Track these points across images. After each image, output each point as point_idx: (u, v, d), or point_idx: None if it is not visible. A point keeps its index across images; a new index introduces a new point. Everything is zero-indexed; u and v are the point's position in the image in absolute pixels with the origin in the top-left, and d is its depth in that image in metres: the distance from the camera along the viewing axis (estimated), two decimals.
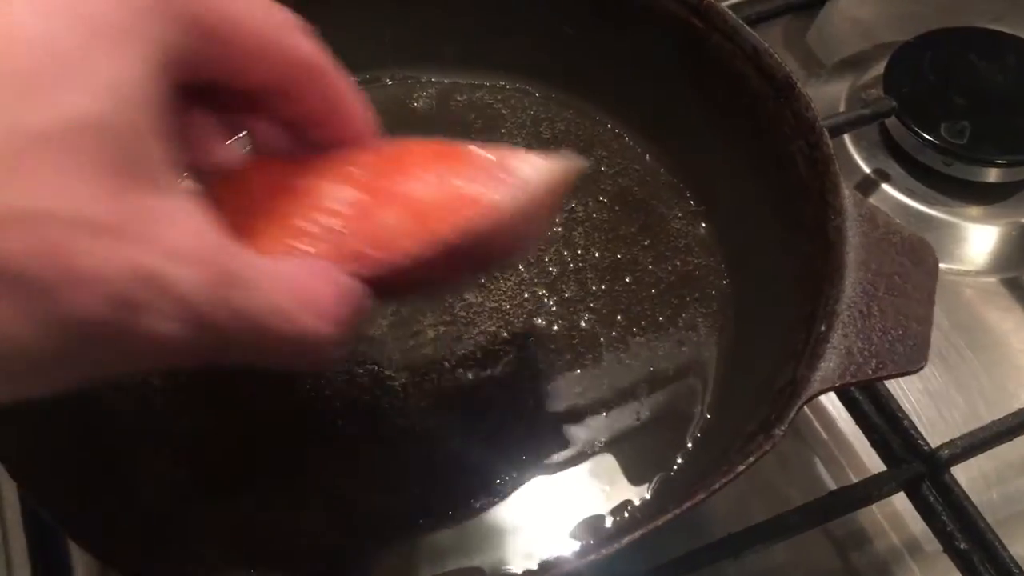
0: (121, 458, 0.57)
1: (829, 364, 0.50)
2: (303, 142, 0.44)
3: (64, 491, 0.48)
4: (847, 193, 0.55)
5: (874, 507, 0.63)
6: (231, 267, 0.33)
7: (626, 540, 0.45)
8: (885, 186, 0.80)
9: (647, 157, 0.72)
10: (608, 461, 0.58)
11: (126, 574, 0.48)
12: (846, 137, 0.82)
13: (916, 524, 0.63)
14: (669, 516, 0.46)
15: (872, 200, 0.79)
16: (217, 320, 0.32)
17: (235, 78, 0.39)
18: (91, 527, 0.47)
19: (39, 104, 0.29)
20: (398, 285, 0.46)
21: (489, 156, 0.46)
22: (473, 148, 0.47)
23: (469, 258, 0.47)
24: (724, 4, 0.88)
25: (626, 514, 0.56)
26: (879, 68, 0.85)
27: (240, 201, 0.44)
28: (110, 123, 0.30)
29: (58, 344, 0.30)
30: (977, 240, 0.78)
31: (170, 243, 0.31)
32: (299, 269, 0.37)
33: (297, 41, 0.40)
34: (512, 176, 0.45)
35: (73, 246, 0.29)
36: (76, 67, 0.30)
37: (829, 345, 0.50)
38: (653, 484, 0.58)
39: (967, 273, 0.76)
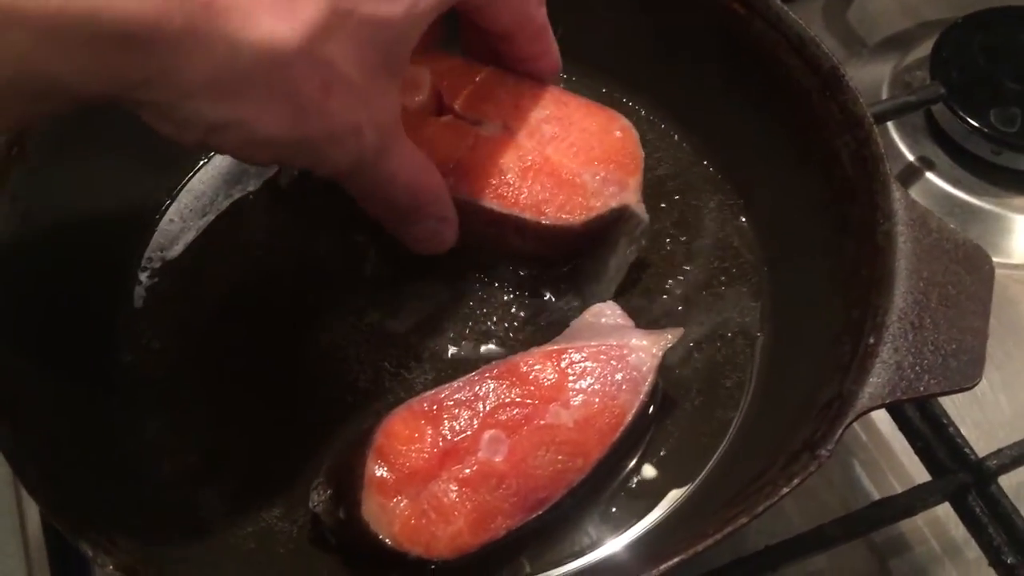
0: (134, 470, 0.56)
1: (879, 379, 0.48)
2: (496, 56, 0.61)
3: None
4: (898, 195, 0.53)
5: None
6: (390, 141, 0.51)
7: (664, 566, 0.44)
8: (930, 175, 0.77)
9: (684, 146, 0.69)
10: (640, 468, 0.57)
11: None
12: (889, 123, 0.78)
13: (957, 530, 0.62)
14: (709, 541, 0.44)
15: (916, 190, 0.77)
16: (367, 170, 0.51)
17: (482, 20, 0.56)
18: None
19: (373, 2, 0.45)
20: None
21: (607, 355, 0.54)
22: (587, 348, 0.54)
23: None
24: None
25: (661, 524, 0.55)
26: (924, 48, 0.82)
27: None
28: (397, 32, 0.47)
29: (286, 141, 0.46)
30: None
31: (376, 114, 0.49)
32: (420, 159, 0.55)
33: (537, 12, 0.57)
34: (631, 370, 0.54)
35: (332, 94, 0.45)
36: None
37: (878, 359, 0.48)
38: (687, 493, 0.56)
39: (1015, 267, 0.74)
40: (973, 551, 0.60)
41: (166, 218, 0.66)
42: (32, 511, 0.61)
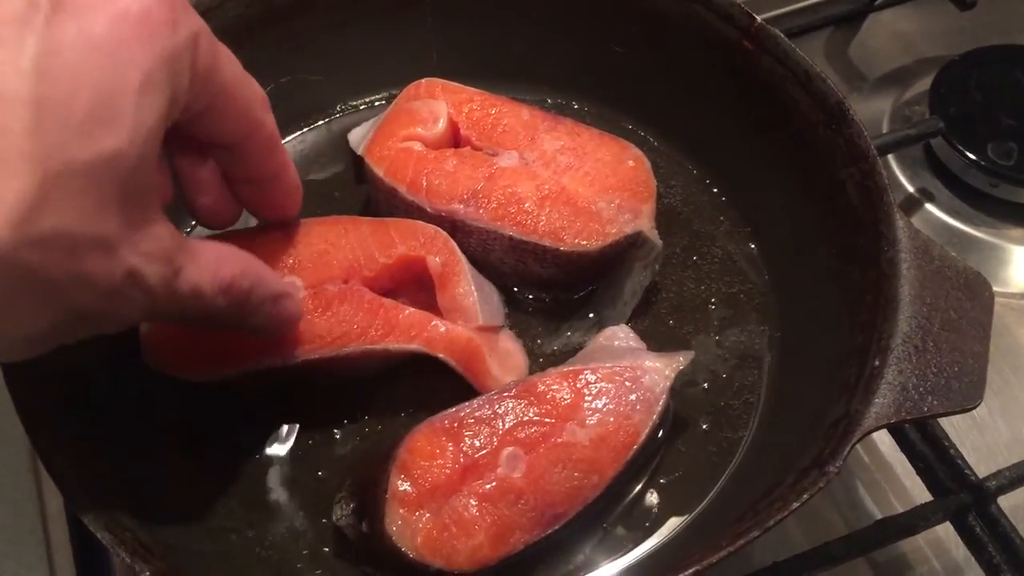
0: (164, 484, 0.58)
1: (884, 400, 0.50)
2: (232, 196, 0.54)
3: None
4: (901, 224, 0.55)
5: None
6: (180, 260, 0.44)
7: None
8: (929, 206, 0.80)
9: (695, 174, 0.72)
10: (653, 487, 0.59)
11: None
12: (889, 156, 0.81)
13: (958, 550, 0.63)
14: (723, 552, 0.46)
15: (915, 220, 0.78)
16: (167, 301, 0.44)
17: (208, 132, 0.48)
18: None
19: (89, 141, 0.37)
20: None
21: (621, 376, 0.56)
22: (602, 369, 0.56)
23: None
24: (767, 15, 0.89)
25: (673, 540, 0.57)
26: (923, 84, 0.84)
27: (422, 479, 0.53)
28: (132, 162, 0.39)
29: (55, 326, 0.40)
30: (1022, 262, 0.77)
31: (146, 248, 0.41)
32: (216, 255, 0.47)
33: (265, 117, 0.50)
34: (645, 391, 0.56)
35: (86, 257, 0.38)
36: (123, 111, 0.38)
37: (884, 380, 0.50)
38: (698, 510, 0.58)
39: (1011, 295, 0.76)
40: (974, 571, 0.62)
41: None
42: (56, 526, 0.62)
